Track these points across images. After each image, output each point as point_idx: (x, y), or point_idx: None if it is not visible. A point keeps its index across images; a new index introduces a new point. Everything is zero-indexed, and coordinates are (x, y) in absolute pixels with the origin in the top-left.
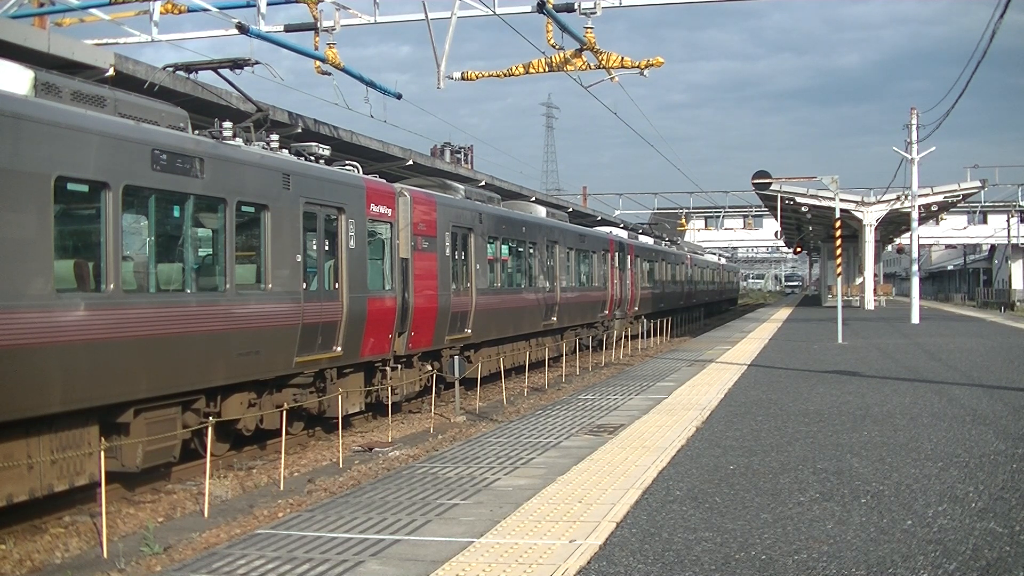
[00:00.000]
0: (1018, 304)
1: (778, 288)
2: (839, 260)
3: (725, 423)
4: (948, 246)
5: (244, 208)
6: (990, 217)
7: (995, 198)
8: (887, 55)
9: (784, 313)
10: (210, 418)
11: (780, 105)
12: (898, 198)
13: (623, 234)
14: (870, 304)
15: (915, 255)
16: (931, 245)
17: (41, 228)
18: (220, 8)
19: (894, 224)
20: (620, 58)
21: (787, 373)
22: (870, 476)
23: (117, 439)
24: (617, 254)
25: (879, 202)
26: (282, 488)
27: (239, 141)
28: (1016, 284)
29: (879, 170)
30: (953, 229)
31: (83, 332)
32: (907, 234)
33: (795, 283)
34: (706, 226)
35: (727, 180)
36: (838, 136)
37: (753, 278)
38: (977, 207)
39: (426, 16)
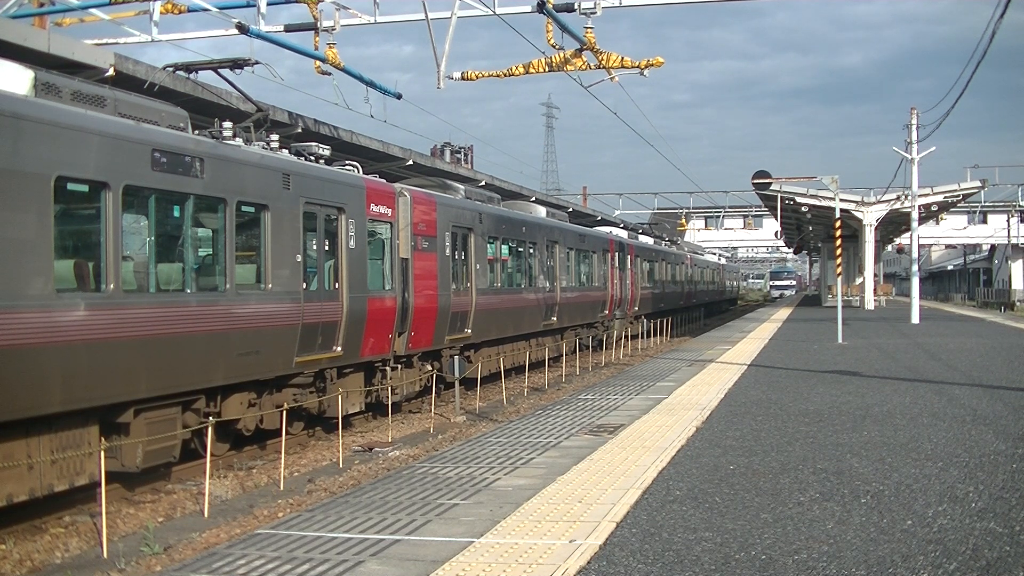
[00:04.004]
0: (1018, 304)
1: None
2: (839, 260)
3: (725, 423)
4: (948, 246)
5: (244, 208)
6: (990, 217)
7: (995, 198)
8: (891, 54)
9: (784, 313)
10: (210, 418)
11: (782, 104)
12: (898, 198)
13: (623, 234)
14: (870, 304)
15: (915, 255)
16: (931, 245)
17: (41, 228)
18: (220, 8)
19: (894, 224)
20: (620, 58)
21: (787, 373)
22: (870, 476)
23: (117, 439)
24: (617, 254)
25: (879, 202)
26: (282, 488)
27: (239, 141)
28: (1016, 284)
29: (880, 170)
30: (953, 229)
31: (83, 332)
32: (907, 234)
33: (786, 283)
34: (706, 226)
35: (727, 180)
36: (840, 136)
37: (753, 278)
38: (977, 207)
39: (426, 16)
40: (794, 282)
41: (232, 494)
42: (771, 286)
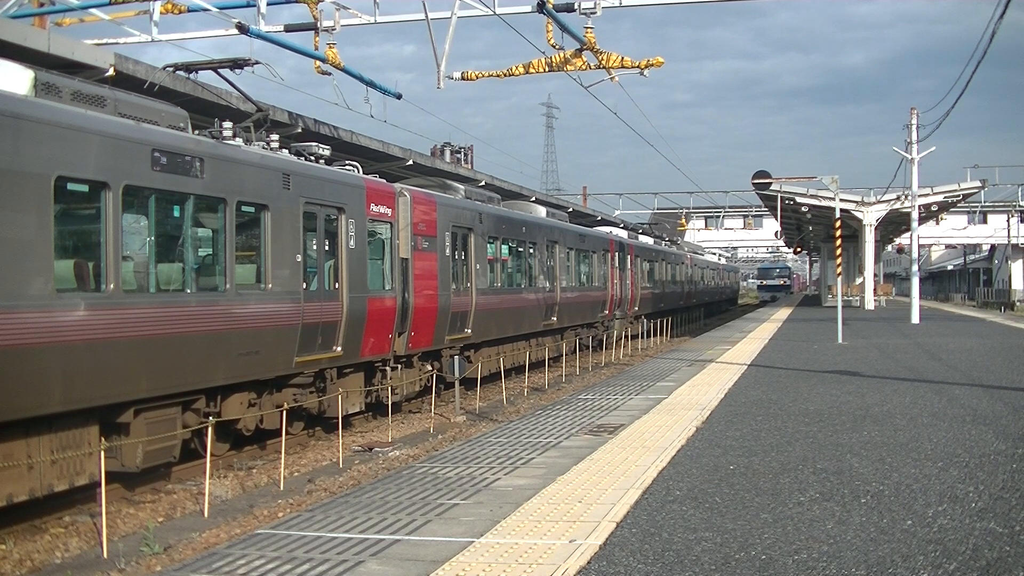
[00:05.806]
0: (1018, 304)
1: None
2: (839, 260)
3: (725, 423)
4: (948, 246)
5: (244, 208)
6: (990, 217)
7: (995, 198)
8: (892, 54)
9: (784, 313)
10: (210, 418)
11: (784, 104)
12: (898, 198)
13: (623, 234)
14: (870, 304)
15: (915, 255)
16: (931, 245)
17: (41, 228)
18: (220, 8)
19: (894, 224)
20: (620, 58)
21: (787, 373)
22: (870, 476)
23: (117, 439)
24: (617, 254)
25: (879, 202)
26: (282, 488)
27: (239, 141)
28: (1016, 284)
29: (881, 170)
30: (953, 229)
31: (83, 332)
32: (907, 234)
33: (778, 283)
34: (706, 226)
35: (728, 180)
36: (840, 136)
37: (753, 278)
38: (977, 207)
39: (426, 16)
40: (789, 281)
41: (232, 494)
42: (759, 286)
